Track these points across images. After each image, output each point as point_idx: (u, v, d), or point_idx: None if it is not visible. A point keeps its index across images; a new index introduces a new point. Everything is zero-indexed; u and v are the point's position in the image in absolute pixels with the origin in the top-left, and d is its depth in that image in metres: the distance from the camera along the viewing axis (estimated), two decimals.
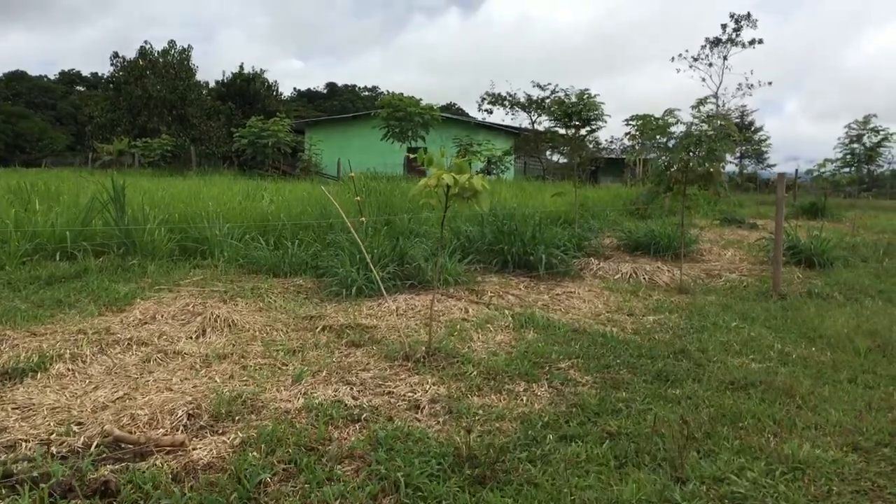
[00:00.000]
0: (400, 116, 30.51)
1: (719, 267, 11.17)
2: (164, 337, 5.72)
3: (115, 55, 41.44)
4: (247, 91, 44.90)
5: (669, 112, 9.05)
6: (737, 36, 51.44)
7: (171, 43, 42.10)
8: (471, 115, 45.39)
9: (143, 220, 8.81)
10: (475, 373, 5.11)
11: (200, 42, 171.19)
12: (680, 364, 5.58)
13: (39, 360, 4.96)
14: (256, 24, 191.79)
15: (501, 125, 39.30)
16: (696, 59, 52.57)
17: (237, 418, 4.15)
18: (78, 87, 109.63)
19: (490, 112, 41.43)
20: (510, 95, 38.55)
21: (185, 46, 42.69)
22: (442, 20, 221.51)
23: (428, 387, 4.81)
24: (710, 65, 52.52)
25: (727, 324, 7.09)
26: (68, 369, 4.91)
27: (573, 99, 13.19)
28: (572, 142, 13.76)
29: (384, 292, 6.80)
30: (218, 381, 4.78)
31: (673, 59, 66.35)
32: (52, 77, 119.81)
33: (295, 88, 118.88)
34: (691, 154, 8.70)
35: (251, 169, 31.94)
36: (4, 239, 7.94)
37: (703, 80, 67.55)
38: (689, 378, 5.25)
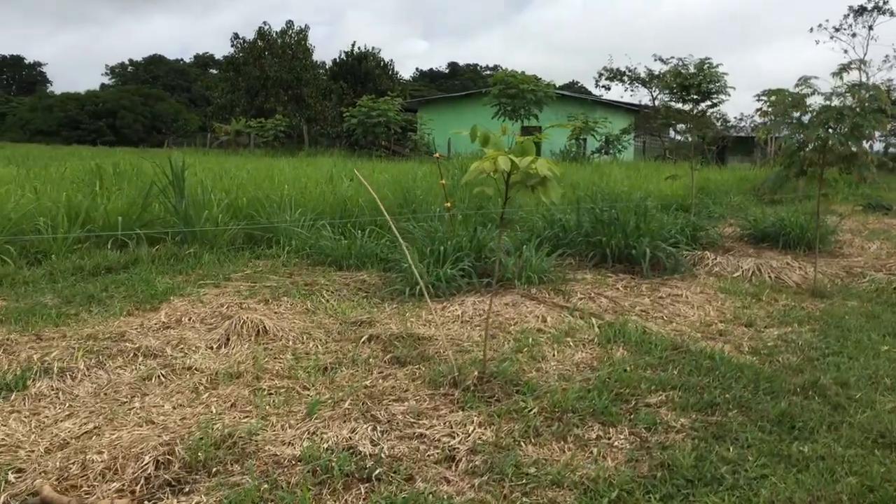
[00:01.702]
0: (512, 94, 29.25)
1: (862, 263, 9.49)
2: (181, 346, 4.93)
3: (236, 36, 42.20)
4: (358, 70, 44.66)
5: (804, 81, 7.53)
6: (884, 3, 46.91)
7: (289, 23, 42.46)
8: (594, 93, 43.31)
9: (205, 205, 8.15)
10: (536, 409, 4.03)
11: (328, 25, 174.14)
12: (810, 404, 4.28)
13: (22, 374, 4.25)
14: (383, 5, 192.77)
15: (620, 102, 37.28)
16: (837, 30, 48.33)
17: (215, 470, 3.25)
18: (211, 70, 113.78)
19: (608, 88, 39.47)
20: (629, 70, 36.42)
21: (303, 27, 42.96)
22: None
23: (471, 428, 3.78)
24: (854, 35, 48.19)
25: (875, 344, 5.65)
26: (51, 388, 4.17)
27: (691, 69, 11.68)
28: (691, 118, 12.23)
29: (423, 296, 5.78)
30: (215, 410, 3.91)
31: (812, 29, 61.24)
32: (187, 60, 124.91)
33: (417, 68, 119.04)
34: (830, 131, 7.19)
35: (361, 149, 31.58)
36: (55, 225, 7.43)
37: (846, 51, 62.30)
38: (822, 426, 3.97)
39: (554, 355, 5.11)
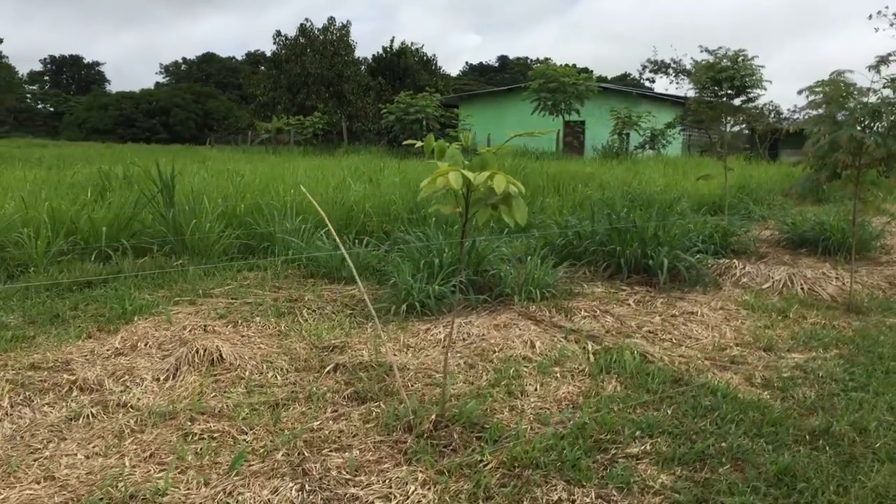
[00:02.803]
0: (552, 88, 28.46)
1: None
2: (126, 377, 4.53)
3: (278, 34, 42.18)
4: (397, 65, 44.25)
5: (838, 75, 6.81)
6: None
7: (331, 20, 42.23)
8: (645, 85, 42.07)
9: (195, 213, 7.79)
10: (493, 463, 3.52)
11: (380, 20, 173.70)
12: (819, 457, 3.69)
13: None
14: (435, 1, 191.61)
15: (666, 95, 36.12)
16: None
17: None
18: (262, 68, 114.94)
19: (652, 81, 38.29)
20: (675, 62, 35.25)
21: (345, 23, 42.74)
22: None
23: (412, 488, 3.29)
24: None
25: None
26: None
27: (724, 62, 10.92)
28: (734, 110, 11.44)
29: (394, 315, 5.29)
30: (129, 462, 3.49)
31: (871, 16, 57.93)
32: (239, 58, 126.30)
33: (466, 62, 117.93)
34: (866, 130, 6.48)
35: (400, 146, 31.18)
36: (39, 235, 7.15)
37: None
38: (829, 487, 3.38)
39: (535, 389, 4.58)
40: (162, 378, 4.56)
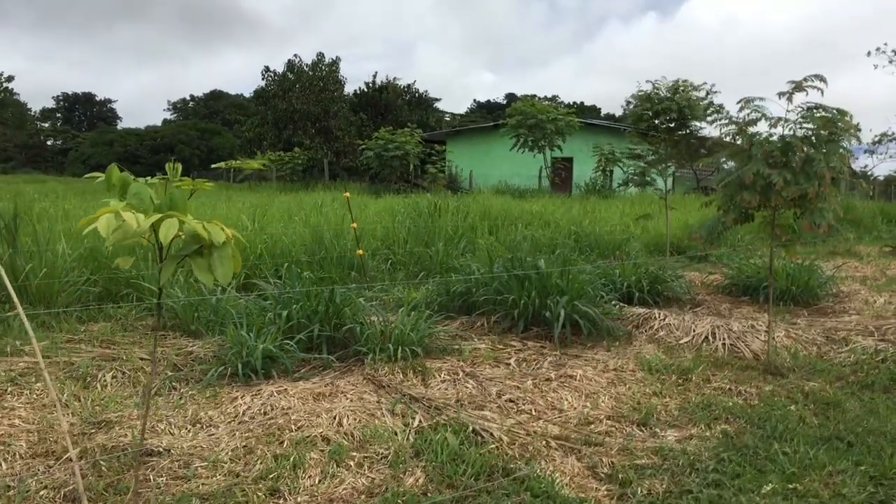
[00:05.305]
0: (531, 124, 27.73)
1: (854, 324, 7.72)
2: None
3: (267, 69, 41.83)
4: (379, 101, 43.75)
5: (747, 103, 5.98)
6: None
7: (320, 55, 41.89)
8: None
9: (41, 257, 6.98)
10: None
11: (396, 58, 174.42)
12: None
13: None
14: (451, 39, 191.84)
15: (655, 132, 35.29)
16: None
17: None
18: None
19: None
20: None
21: (334, 59, 42.36)
22: (637, 26, 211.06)
23: None
24: None
25: (781, 466, 4.06)
26: None
27: (663, 92, 10.12)
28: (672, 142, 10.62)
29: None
30: None
31: (869, 53, 56.03)
32: (247, 95, 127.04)
33: (474, 100, 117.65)
34: (774, 167, 5.61)
35: (381, 182, 30.53)
36: None
37: None
38: None
39: (312, 484, 3.70)
40: None
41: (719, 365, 6.23)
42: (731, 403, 5.20)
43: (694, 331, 7.14)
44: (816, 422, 4.89)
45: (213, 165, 3.73)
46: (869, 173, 45.18)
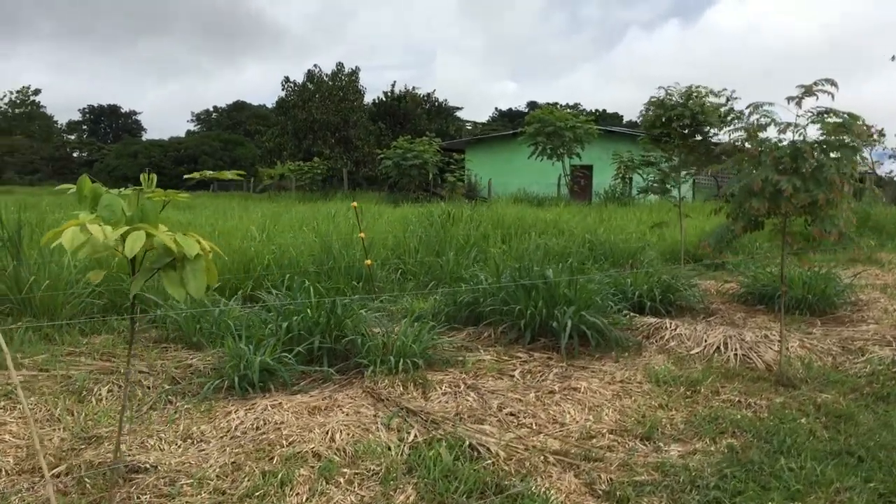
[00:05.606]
0: (549, 132, 27.60)
1: (871, 333, 7.52)
2: None
3: (286, 80, 42.06)
4: (397, 110, 43.79)
5: (756, 108, 5.84)
6: None
7: (339, 65, 42.06)
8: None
9: (45, 270, 6.98)
10: None
11: (417, 67, 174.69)
12: None
13: None
14: (473, 48, 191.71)
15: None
16: None
17: None
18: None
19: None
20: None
21: (353, 68, 42.49)
22: (659, 33, 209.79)
23: None
24: None
25: (807, 478, 3.91)
26: None
27: (676, 98, 9.97)
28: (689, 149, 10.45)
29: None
30: None
31: (893, 58, 55.46)
32: (269, 106, 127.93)
33: (496, 108, 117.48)
34: (783, 174, 5.46)
35: (400, 191, 30.50)
36: None
37: None
38: None
39: (300, 503, 3.61)
40: None
41: (730, 376, 6.07)
42: (739, 416, 5.05)
43: (706, 341, 6.98)
44: (827, 435, 4.74)
45: (185, 177, 3.69)
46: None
